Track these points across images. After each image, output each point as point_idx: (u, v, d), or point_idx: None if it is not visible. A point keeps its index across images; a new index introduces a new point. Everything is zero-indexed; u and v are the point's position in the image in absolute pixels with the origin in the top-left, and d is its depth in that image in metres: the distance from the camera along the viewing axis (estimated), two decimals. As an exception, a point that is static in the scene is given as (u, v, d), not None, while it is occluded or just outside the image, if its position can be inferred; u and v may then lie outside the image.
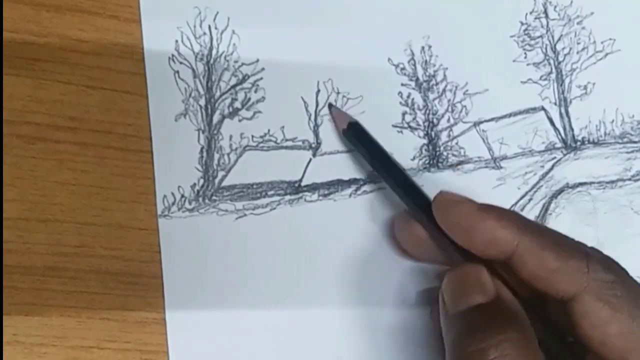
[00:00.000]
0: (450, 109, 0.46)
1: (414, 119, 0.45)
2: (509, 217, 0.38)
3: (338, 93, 0.44)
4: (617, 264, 0.38)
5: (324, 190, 0.43)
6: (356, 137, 0.43)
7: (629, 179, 0.47)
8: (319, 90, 0.44)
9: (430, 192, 0.44)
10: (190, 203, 0.41)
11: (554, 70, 0.47)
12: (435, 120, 0.46)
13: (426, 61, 0.46)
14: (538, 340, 0.36)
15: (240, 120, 0.43)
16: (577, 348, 0.37)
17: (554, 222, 0.46)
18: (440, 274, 0.42)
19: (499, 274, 0.39)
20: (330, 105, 0.44)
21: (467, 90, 0.46)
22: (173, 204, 0.41)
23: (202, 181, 0.42)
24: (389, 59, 0.46)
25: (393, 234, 0.43)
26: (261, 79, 0.44)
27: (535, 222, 0.39)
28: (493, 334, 0.35)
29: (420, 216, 0.40)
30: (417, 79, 0.46)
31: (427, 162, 0.45)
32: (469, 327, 0.36)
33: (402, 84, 0.45)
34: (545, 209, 0.46)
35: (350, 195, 0.44)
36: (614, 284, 0.36)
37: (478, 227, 0.38)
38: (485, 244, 0.38)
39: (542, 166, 0.46)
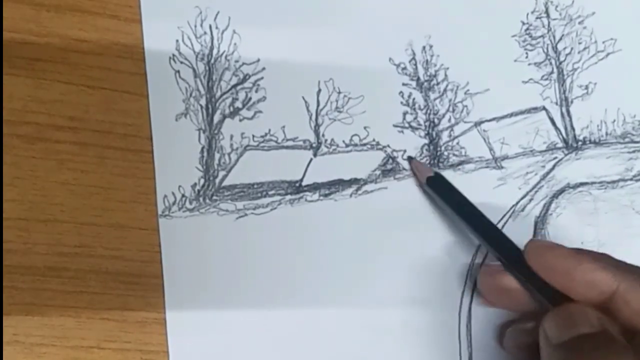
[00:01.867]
0: (451, 109, 0.46)
1: (415, 118, 0.45)
2: (606, 258, 0.38)
3: (339, 93, 0.44)
4: None
5: (325, 190, 0.43)
6: (440, 188, 0.43)
7: (631, 179, 0.47)
8: (319, 90, 0.44)
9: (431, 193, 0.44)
10: (190, 203, 0.41)
11: (555, 70, 0.47)
12: (436, 120, 0.46)
13: (427, 61, 0.46)
14: None
15: (241, 120, 0.43)
16: None
17: (554, 222, 0.45)
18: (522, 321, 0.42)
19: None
20: (410, 158, 0.44)
21: (468, 90, 0.46)
22: (173, 203, 0.41)
23: (202, 181, 0.42)
24: (390, 59, 0.45)
25: (479, 285, 0.43)
26: (262, 78, 0.44)
27: (629, 263, 0.39)
28: (602, 356, 0.35)
29: (511, 265, 0.41)
30: (418, 78, 0.46)
31: (428, 162, 0.45)
32: (577, 352, 0.36)
33: (403, 84, 0.45)
34: (546, 209, 0.46)
35: (350, 195, 0.44)
36: None
37: (576, 270, 0.38)
38: (585, 285, 0.38)
39: (543, 166, 0.46)
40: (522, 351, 0.41)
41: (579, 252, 0.39)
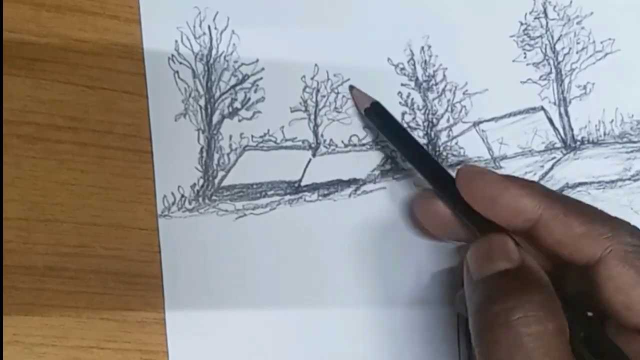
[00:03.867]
0: (449, 109, 0.46)
1: (414, 118, 0.45)
2: (533, 185, 0.38)
3: (338, 93, 0.44)
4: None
5: (324, 190, 0.43)
6: (378, 116, 0.43)
7: (629, 179, 0.47)
8: (318, 90, 0.44)
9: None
10: (190, 203, 0.41)
11: (553, 70, 0.47)
12: (434, 120, 0.46)
13: (426, 61, 0.46)
14: None
15: (240, 120, 0.43)
16: (595, 323, 0.38)
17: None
18: (460, 248, 0.43)
19: (523, 245, 0.39)
20: (351, 87, 0.44)
21: (466, 90, 0.46)
22: (173, 204, 0.41)
23: (202, 181, 0.42)
24: (388, 59, 0.46)
25: (412, 214, 0.43)
26: (261, 79, 0.44)
27: (560, 193, 0.40)
28: (518, 295, 0.35)
29: (443, 192, 0.41)
30: (417, 78, 0.46)
31: (427, 162, 0.45)
32: (494, 290, 0.36)
33: (402, 84, 0.45)
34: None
35: (350, 195, 0.44)
36: (639, 248, 0.36)
37: (502, 196, 0.38)
38: (510, 212, 0.38)
39: (542, 166, 0.46)
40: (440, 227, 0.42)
41: (508, 178, 0.39)
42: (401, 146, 0.43)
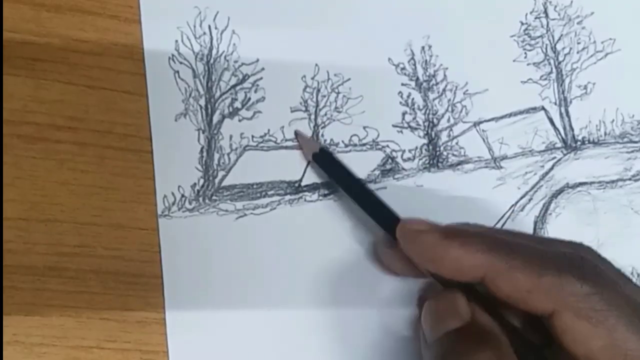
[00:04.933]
0: (450, 109, 0.46)
1: (414, 118, 0.45)
2: (475, 241, 0.37)
3: (338, 93, 0.44)
4: (594, 270, 0.36)
5: (324, 190, 0.43)
6: (326, 163, 0.43)
7: (629, 179, 0.47)
8: (319, 90, 0.44)
9: (431, 193, 0.44)
10: (190, 203, 0.41)
11: (554, 70, 0.47)
12: (435, 120, 0.46)
13: (426, 61, 0.46)
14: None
15: (240, 120, 0.43)
16: None
17: (554, 222, 0.46)
18: (420, 299, 0.42)
19: (477, 294, 0.38)
20: (297, 133, 0.43)
21: (467, 90, 0.46)
22: (173, 203, 0.41)
23: (202, 181, 0.42)
24: (389, 59, 0.46)
25: (376, 254, 0.43)
26: (261, 78, 0.44)
27: (505, 240, 0.38)
28: (469, 354, 0.35)
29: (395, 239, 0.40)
30: (417, 78, 0.46)
31: (427, 162, 0.45)
32: (445, 351, 0.36)
33: (402, 84, 0.45)
34: (546, 209, 0.46)
35: (350, 195, 0.44)
36: (591, 297, 0.35)
37: (443, 258, 0.37)
38: (454, 272, 0.37)
39: (542, 166, 0.46)
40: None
41: (449, 235, 0.37)
42: (353, 194, 0.42)
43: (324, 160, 0.43)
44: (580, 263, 0.36)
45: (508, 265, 0.36)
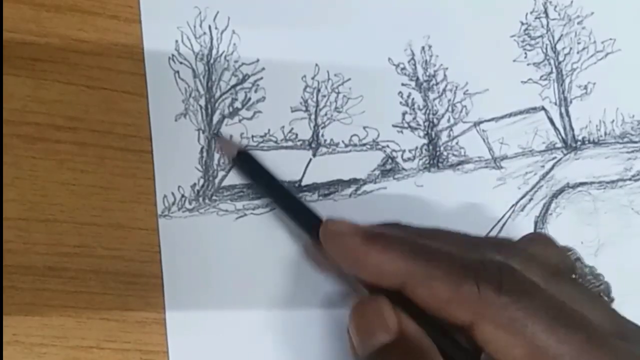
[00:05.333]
0: (450, 109, 0.46)
1: (414, 118, 0.45)
2: (395, 246, 0.36)
3: (338, 93, 0.44)
4: (512, 277, 0.35)
5: (324, 190, 0.43)
6: (247, 164, 0.42)
7: (630, 179, 0.47)
8: (319, 90, 0.44)
9: (431, 193, 0.44)
10: (190, 203, 0.41)
11: (554, 70, 0.47)
12: (435, 120, 0.46)
13: (426, 61, 0.46)
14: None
15: (240, 120, 0.43)
16: None
17: (554, 222, 0.46)
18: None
19: (403, 298, 0.37)
20: (216, 135, 0.43)
21: (467, 90, 0.46)
22: (173, 204, 0.41)
23: (202, 181, 0.42)
24: (389, 59, 0.46)
25: (306, 253, 0.42)
26: (261, 78, 0.44)
27: (427, 246, 0.37)
28: None
29: (317, 241, 0.40)
30: (418, 78, 0.46)
31: (427, 162, 0.45)
32: None
33: (403, 84, 0.45)
34: (546, 209, 0.46)
35: (350, 195, 0.44)
36: (509, 306, 0.34)
37: (364, 261, 0.37)
38: (374, 277, 0.37)
39: (543, 166, 0.46)
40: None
41: (370, 239, 0.37)
42: (274, 194, 0.42)
43: (245, 163, 0.42)
44: (498, 271, 0.35)
45: (427, 273, 0.35)
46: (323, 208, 0.43)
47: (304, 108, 0.44)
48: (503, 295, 0.34)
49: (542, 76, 0.47)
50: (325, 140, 0.44)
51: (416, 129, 0.45)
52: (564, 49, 0.48)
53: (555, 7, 0.48)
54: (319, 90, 0.44)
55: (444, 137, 0.46)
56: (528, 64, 0.47)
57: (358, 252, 0.37)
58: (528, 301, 0.34)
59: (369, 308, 0.37)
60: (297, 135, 0.44)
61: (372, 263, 0.36)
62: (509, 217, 0.45)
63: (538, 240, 0.40)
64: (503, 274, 0.35)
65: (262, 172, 0.42)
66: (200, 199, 0.41)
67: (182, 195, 0.41)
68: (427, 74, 0.46)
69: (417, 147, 0.45)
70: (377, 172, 0.44)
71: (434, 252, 0.36)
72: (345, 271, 0.39)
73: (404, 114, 0.45)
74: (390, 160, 0.45)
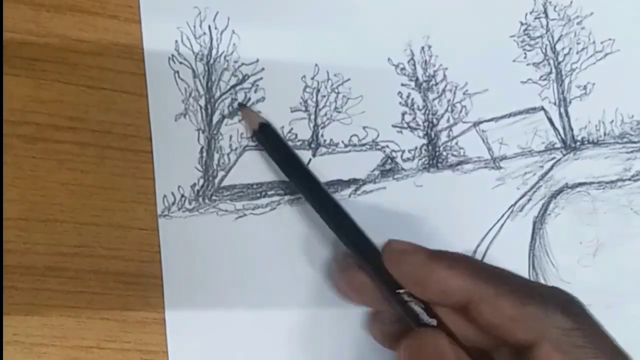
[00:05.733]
0: (449, 109, 0.46)
1: (414, 119, 0.45)
2: (462, 264, 0.37)
3: (338, 93, 0.44)
4: (579, 306, 0.36)
5: (324, 190, 0.43)
6: (267, 139, 0.42)
7: (629, 179, 0.47)
8: (318, 90, 0.44)
9: (431, 193, 0.44)
10: (190, 203, 0.41)
11: (553, 70, 0.47)
12: (434, 121, 0.46)
13: (426, 61, 0.46)
14: None
15: (240, 120, 0.43)
16: None
17: (553, 222, 0.46)
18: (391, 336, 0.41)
19: (450, 330, 0.37)
20: (241, 105, 0.43)
21: (466, 91, 0.46)
22: (173, 204, 0.41)
23: (202, 181, 0.42)
24: (388, 59, 0.46)
25: (331, 280, 0.42)
26: (261, 79, 0.44)
27: (491, 267, 0.38)
28: None
29: (365, 264, 0.39)
30: (417, 79, 0.46)
31: (426, 162, 0.45)
32: None
33: (402, 84, 0.46)
34: (545, 209, 0.46)
35: (349, 195, 0.44)
36: (573, 332, 0.35)
37: (429, 279, 0.37)
38: (438, 295, 0.37)
39: (542, 166, 0.46)
40: (388, 339, 0.41)
41: (436, 257, 0.37)
42: (291, 171, 0.42)
43: (266, 136, 0.42)
44: (566, 299, 0.36)
45: (494, 290, 0.36)
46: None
47: (303, 108, 0.44)
48: (569, 320, 0.35)
49: (541, 76, 0.47)
50: (324, 140, 0.44)
51: (416, 129, 0.45)
52: (563, 49, 0.48)
53: (555, 7, 0.48)
54: (318, 91, 0.44)
55: (443, 137, 0.46)
56: (527, 64, 0.47)
57: (423, 269, 0.37)
58: (592, 334, 0.35)
59: (427, 344, 0.37)
60: (296, 135, 0.44)
61: (437, 280, 0.36)
62: (508, 217, 0.45)
63: None
64: (573, 303, 0.36)
65: (282, 147, 0.42)
66: (200, 199, 0.41)
67: (182, 195, 0.41)
68: (427, 74, 0.46)
69: (416, 147, 0.45)
70: (376, 172, 0.44)
71: (500, 273, 0.37)
72: (409, 290, 0.38)
73: (403, 114, 0.45)
74: (389, 161, 0.45)
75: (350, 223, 0.40)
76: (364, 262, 0.39)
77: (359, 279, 0.40)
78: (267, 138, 0.42)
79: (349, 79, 0.45)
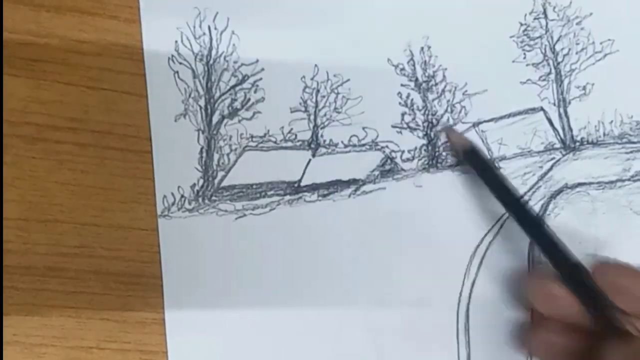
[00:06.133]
0: (449, 110, 0.46)
1: (413, 119, 0.45)
2: None
3: (338, 93, 0.44)
4: None
5: (323, 191, 0.43)
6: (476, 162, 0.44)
7: (628, 180, 0.47)
8: (318, 91, 0.44)
9: (430, 193, 0.44)
10: (190, 203, 0.41)
11: (553, 70, 0.47)
12: (434, 121, 0.46)
13: (425, 61, 0.46)
14: None
15: (239, 121, 0.43)
16: None
17: (552, 223, 0.45)
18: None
19: None
20: (448, 128, 0.44)
21: (466, 91, 0.46)
22: (173, 204, 0.41)
23: (201, 181, 0.42)
24: (388, 60, 0.46)
25: (522, 289, 0.42)
26: (261, 79, 0.44)
27: None
28: None
29: (566, 276, 0.40)
30: (417, 79, 0.46)
31: (426, 162, 0.45)
32: None
33: (402, 85, 0.46)
34: (544, 210, 0.46)
35: (349, 196, 0.44)
36: None
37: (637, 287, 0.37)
38: None
39: (541, 167, 0.46)
40: (553, 355, 0.41)
41: None
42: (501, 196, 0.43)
43: (474, 160, 0.44)
44: None
45: None
46: (322, 208, 0.43)
47: (303, 108, 0.44)
48: None
49: (541, 77, 0.47)
50: (324, 141, 0.44)
51: (415, 129, 0.45)
52: (562, 49, 0.48)
53: (554, 7, 0.48)
54: (318, 91, 0.44)
55: (443, 137, 0.46)
56: (527, 65, 0.47)
57: (634, 279, 0.38)
58: None
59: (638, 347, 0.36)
60: (296, 135, 0.44)
61: None
62: (508, 217, 0.45)
63: None
64: None
65: (490, 170, 0.44)
66: (200, 199, 0.41)
67: (182, 196, 0.41)
68: (426, 74, 0.46)
69: (416, 148, 0.45)
70: (376, 173, 0.44)
71: None
72: (620, 304, 0.38)
73: (403, 114, 0.45)
74: (389, 161, 0.45)
75: (554, 240, 0.41)
76: (566, 274, 0.40)
77: (554, 290, 0.40)
78: (475, 160, 0.44)
79: (348, 80, 0.45)
